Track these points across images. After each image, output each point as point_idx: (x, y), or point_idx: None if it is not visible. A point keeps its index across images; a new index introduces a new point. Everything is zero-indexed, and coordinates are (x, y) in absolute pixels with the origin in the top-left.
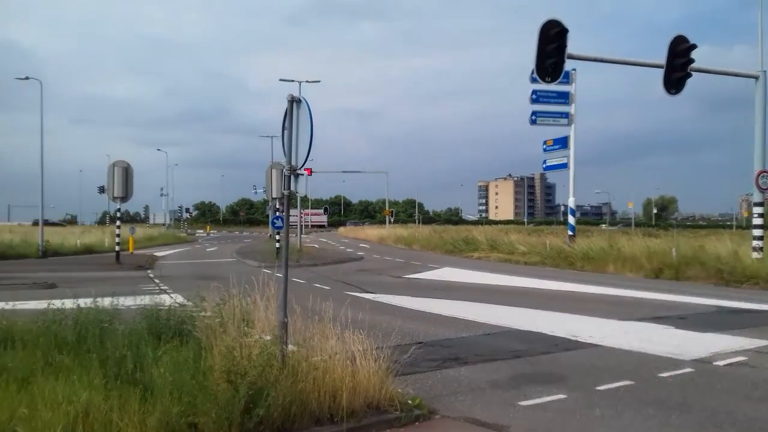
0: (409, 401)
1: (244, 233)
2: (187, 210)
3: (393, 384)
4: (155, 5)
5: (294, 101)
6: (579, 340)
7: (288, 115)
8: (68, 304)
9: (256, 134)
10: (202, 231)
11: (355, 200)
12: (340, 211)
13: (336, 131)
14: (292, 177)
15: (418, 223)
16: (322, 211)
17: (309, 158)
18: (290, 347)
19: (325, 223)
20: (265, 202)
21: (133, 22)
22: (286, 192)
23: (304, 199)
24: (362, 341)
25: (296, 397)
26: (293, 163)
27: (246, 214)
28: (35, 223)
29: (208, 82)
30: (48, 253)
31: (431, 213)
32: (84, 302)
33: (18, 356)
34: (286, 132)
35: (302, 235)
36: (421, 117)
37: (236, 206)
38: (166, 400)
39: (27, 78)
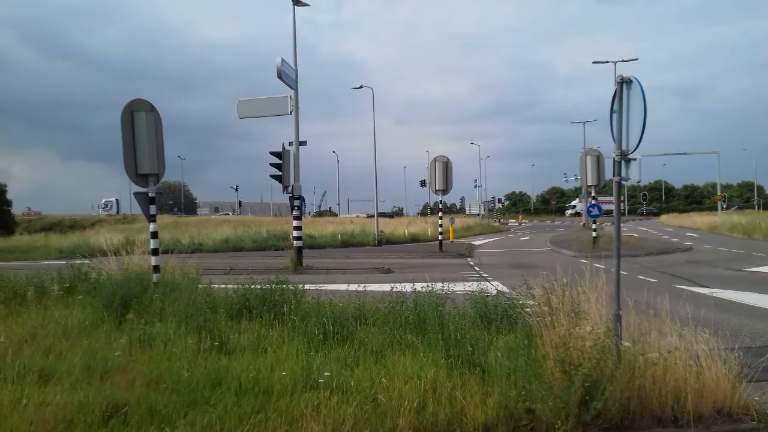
0: None
1: (556, 222)
2: (499, 200)
3: (747, 390)
4: (467, 5)
5: (624, 82)
6: None
7: (617, 96)
8: (407, 287)
9: (566, 121)
10: (513, 220)
11: (678, 185)
12: (661, 197)
13: (651, 110)
14: (623, 162)
15: (758, 208)
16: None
17: (641, 142)
18: (625, 343)
19: (643, 211)
20: (577, 190)
21: (446, 25)
22: (616, 179)
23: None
24: (707, 341)
25: (634, 394)
26: (624, 147)
27: (557, 203)
28: (370, 216)
29: (516, 72)
30: (382, 241)
31: None
32: (420, 286)
33: (370, 332)
34: (615, 115)
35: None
36: (760, 88)
37: (546, 195)
38: (502, 384)
39: (361, 87)
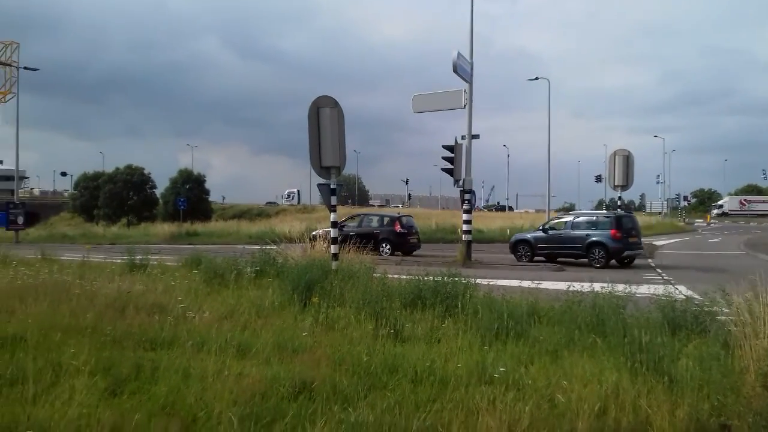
0: None
1: (751, 224)
2: (685, 198)
3: None
4: None
5: None
6: None
7: None
8: (584, 286)
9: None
10: (701, 220)
11: None
12: None
13: None
14: None
15: None
16: None
17: None
18: None
19: None
20: None
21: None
22: None
23: None
24: None
25: None
26: None
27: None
28: (538, 211)
29: (708, 60)
30: None
31: None
32: (599, 287)
33: (544, 330)
34: None
35: None
36: None
37: (740, 193)
38: (693, 395)
39: (537, 78)
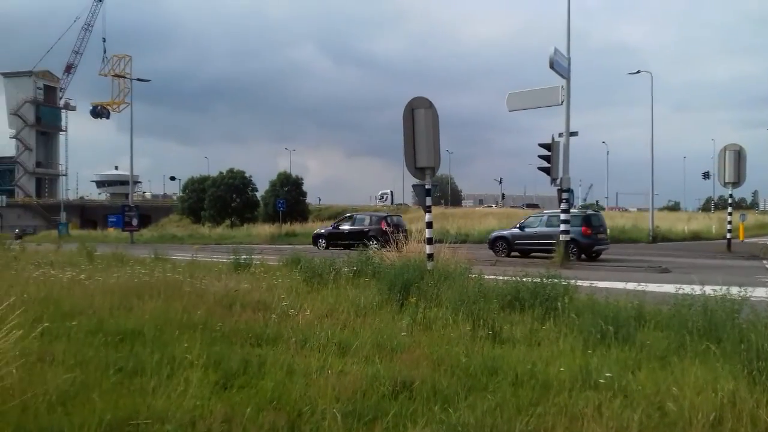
0: None
1: None
2: None
3: None
4: None
5: None
6: None
7: None
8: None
9: None
10: None
11: None
12: None
13: None
14: None
15: None
16: None
17: None
18: None
19: None
20: None
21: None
22: None
23: None
24: None
25: None
26: None
27: None
28: (640, 210)
29: None
30: (656, 238)
31: None
32: (710, 290)
33: (651, 335)
34: None
35: None
36: None
37: None
38: None
39: (638, 72)
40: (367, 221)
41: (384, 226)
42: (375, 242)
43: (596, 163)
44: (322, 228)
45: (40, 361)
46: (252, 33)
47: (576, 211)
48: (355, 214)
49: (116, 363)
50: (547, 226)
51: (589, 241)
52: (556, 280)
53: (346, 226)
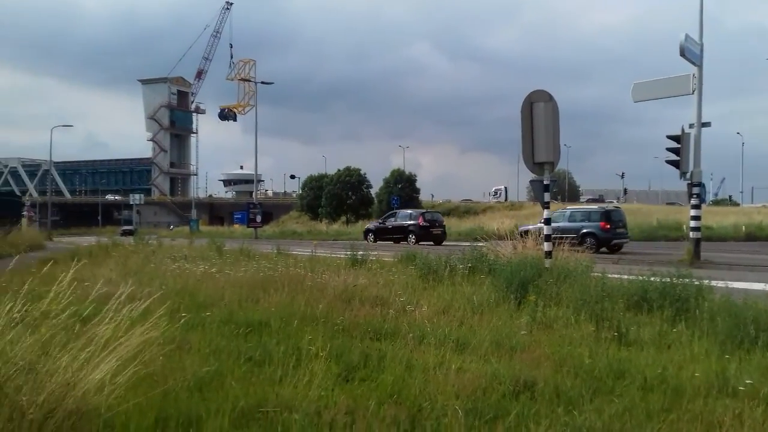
0: None
1: None
2: None
3: None
4: None
5: None
6: None
7: None
8: None
9: None
10: None
11: None
12: None
13: None
14: None
15: None
16: None
17: None
18: None
19: None
20: None
21: None
22: None
23: None
24: None
25: None
26: None
27: None
28: None
29: None
30: None
31: None
32: None
33: None
34: None
35: None
36: None
37: None
38: None
39: None
40: (407, 217)
41: (421, 222)
42: (413, 236)
43: (729, 155)
44: (371, 224)
45: (179, 349)
46: (368, 34)
47: (595, 207)
48: (397, 211)
49: (246, 352)
50: (570, 221)
51: (607, 235)
52: (687, 280)
53: (390, 222)
